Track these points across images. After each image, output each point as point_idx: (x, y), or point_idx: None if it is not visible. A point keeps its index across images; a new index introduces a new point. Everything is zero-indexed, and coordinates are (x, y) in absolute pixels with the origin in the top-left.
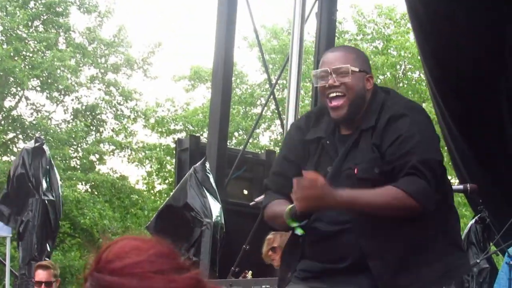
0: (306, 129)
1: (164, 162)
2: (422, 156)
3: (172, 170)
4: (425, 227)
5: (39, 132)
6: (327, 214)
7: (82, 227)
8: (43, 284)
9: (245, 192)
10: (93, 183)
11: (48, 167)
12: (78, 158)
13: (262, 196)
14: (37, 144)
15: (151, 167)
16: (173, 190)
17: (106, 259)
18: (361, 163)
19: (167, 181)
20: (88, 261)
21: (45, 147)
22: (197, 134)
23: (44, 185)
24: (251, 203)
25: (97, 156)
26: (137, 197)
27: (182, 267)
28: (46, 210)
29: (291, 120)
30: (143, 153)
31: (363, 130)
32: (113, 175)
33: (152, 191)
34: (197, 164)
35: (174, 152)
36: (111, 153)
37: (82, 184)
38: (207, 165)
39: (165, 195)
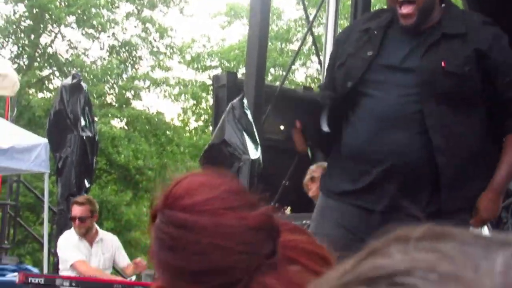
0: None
1: (200, 99)
2: None
3: (208, 107)
4: (486, 143)
5: (74, 69)
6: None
7: (118, 164)
8: (77, 219)
9: (282, 128)
10: (128, 118)
11: (86, 103)
12: (114, 94)
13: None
14: (74, 81)
15: (186, 102)
16: (214, 128)
17: (176, 195)
18: (451, 58)
19: (202, 118)
20: (156, 198)
21: (83, 83)
22: (233, 71)
23: (82, 121)
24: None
25: (132, 92)
26: (173, 133)
27: (253, 203)
28: (84, 146)
29: (328, 57)
30: (178, 89)
31: (447, 35)
32: (149, 111)
33: (187, 128)
34: (234, 101)
35: (209, 88)
36: (147, 89)
37: (117, 120)
38: (245, 101)
39: (201, 132)
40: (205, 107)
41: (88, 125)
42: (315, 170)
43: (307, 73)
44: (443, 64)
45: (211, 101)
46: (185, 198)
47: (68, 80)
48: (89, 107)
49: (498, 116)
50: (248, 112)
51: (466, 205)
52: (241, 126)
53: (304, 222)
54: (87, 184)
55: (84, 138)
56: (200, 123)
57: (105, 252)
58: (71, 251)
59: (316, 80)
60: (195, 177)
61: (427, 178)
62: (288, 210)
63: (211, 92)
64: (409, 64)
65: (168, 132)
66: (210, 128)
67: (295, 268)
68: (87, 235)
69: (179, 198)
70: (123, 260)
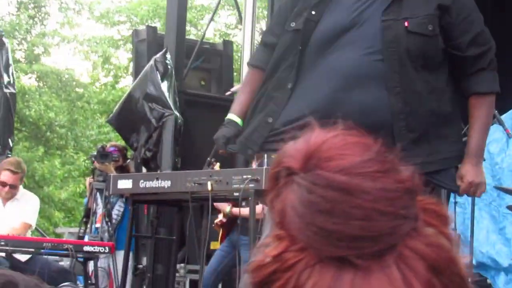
0: None
1: (109, 55)
2: (490, 44)
3: (117, 63)
4: (451, 104)
5: None
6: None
7: (28, 120)
8: (8, 186)
9: (202, 83)
10: (38, 74)
11: (8, 59)
12: (23, 50)
13: (237, 86)
14: None
15: (96, 58)
16: (133, 82)
17: (323, 156)
18: (414, 17)
19: (111, 74)
20: (285, 156)
21: (5, 39)
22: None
23: (6, 78)
24: (227, 93)
25: (42, 49)
26: (82, 90)
27: (400, 165)
28: (8, 103)
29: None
30: (88, 47)
31: None
32: (59, 67)
33: (96, 85)
34: (157, 55)
35: (118, 44)
36: (56, 46)
37: (27, 76)
38: (168, 56)
39: (110, 87)
40: (114, 63)
41: (12, 82)
42: None
43: (216, 27)
44: (406, 24)
45: (120, 57)
46: (336, 158)
47: None
48: (10, 62)
49: (460, 75)
50: (171, 67)
51: (441, 166)
52: (165, 81)
53: (245, 176)
54: (11, 143)
55: (8, 95)
56: (110, 78)
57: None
58: None
59: (225, 35)
60: (342, 136)
61: (392, 141)
62: (217, 166)
63: (121, 47)
64: (372, 22)
65: (78, 89)
66: (120, 84)
67: (430, 230)
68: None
69: (329, 159)
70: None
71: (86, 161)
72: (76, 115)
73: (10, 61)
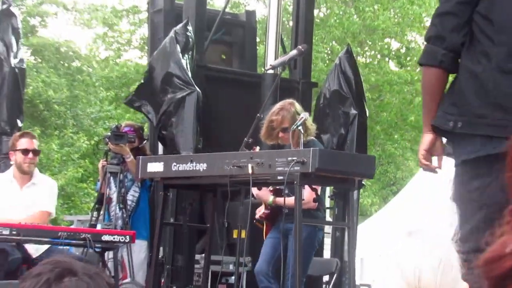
0: None
1: (111, 23)
2: None
3: (120, 34)
4: None
5: None
6: None
7: (25, 98)
8: (31, 152)
9: (223, 57)
10: (34, 47)
11: (17, 31)
12: None
13: (280, 59)
14: (4, 6)
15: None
16: (151, 56)
17: None
18: None
19: (113, 47)
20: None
21: (14, 8)
22: None
23: (14, 49)
24: (267, 68)
25: (39, 18)
26: (82, 63)
27: None
28: (16, 79)
29: None
30: (88, 14)
31: None
32: (58, 39)
33: (98, 58)
34: (178, 27)
35: (121, 14)
36: (54, 15)
37: (23, 49)
38: (190, 27)
39: (112, 62)
40: (116, 35)
41: (21, 56)
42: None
43: None
44: None
45: (122, 28)
46: None
47: None
48: (19, 35)
49: None
50: (193, 39)
51: None
52: (185, 55)
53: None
54: (19, 123)
55: (17, 70)
56: (111, 53)
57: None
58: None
59: (236, 5)
60: None
61: None
62: (257, 149)
63: (125, 18)
64: None
65: (77, 63)
66: (122, 58)
67: None
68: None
69: None
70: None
71: (87, 142)
72: (76, 90)
73: (20, 34)
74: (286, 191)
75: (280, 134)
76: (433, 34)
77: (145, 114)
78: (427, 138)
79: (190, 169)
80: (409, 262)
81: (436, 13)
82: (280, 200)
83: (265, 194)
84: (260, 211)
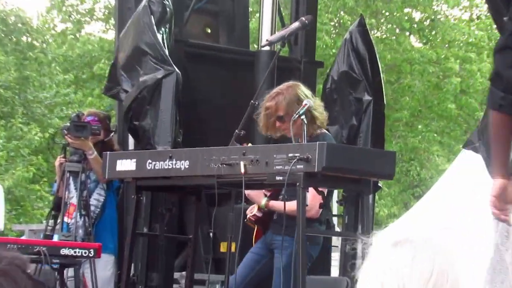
0: None
1: None
2: None
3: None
4: None
5: None
6: None
7: None
8: None
9: (208, 30)
10: None
11: None
12: None
13: (279, 33)
14: None
15: None
16: (119, 30)
17: None
18: None
19: (72, 18)
20: None
21: None
22: None
23: None
24: (262, 44)
25: None
26: (35, 36)
27: None
28: None
29: None
30: None
31: None
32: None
33: (53, 32)
34: None
35: None
36: None
37: None
38: None
39: (71, 36)
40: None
41: None
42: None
43: None
44: None
45: None
46: None
47: None
48: None
49: None
50: (170, 9)
51: None
52: (161, 28)
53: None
54: None
55: None
56: (69, 25)
57: None
58: None
59: None
60: None
61: None
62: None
63: None
64: None
65: (27, 37)
66: (83, 32)
67: None
68: None
69: None
70: None
71: (40, 135)
72: (27, 71)
73: None
74: (283, 193)
75: (277, 124)
76: (492, 73)
77: (120, 101)
78: (497, 183)
79: (169, 167)
80: (391, 277)
81: (495, 48)
82: (274, 204)
83: (258, 194)
84: (252, 211)
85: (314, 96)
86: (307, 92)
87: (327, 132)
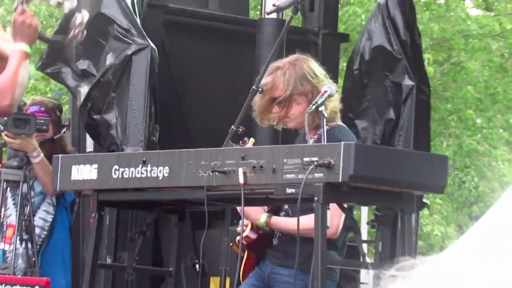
0: None
1: None
2: None
3: None
4: None
5: None
6: None
7: None
8: None
9: None
10: None
11: None
12: None
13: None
14: None
15: None
16: None
17: None
18: None
19: None
20: None
21: None
22: None
23: None
24: (269, 9)
25: None
26: None
27: None
28: None
29: None
30: None
31: None
32: None
33: None
34: None
35: None
36: None
37: None
38: None
39: None
40: None
41: None
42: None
43: None
44: None
45: None
46: None
47: None
48: None
49: None
50: None
51: None
52: None
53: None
54: None
55: None
56: None
57: None
58: None
59: None
60: None
61: None
62: (250, 142)
63: None
64: None
65: None
66: None
67: None
68: None
69: None
70: None
71: None
72: None
73: None
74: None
75: (274, 110)
76: None
77: (66, 86)
78: None
79: (142, 176)
80: None
81: None
82: (278, 222)
83: (256, 210)
84: (245, 231)
85: (327, 76)
86: (318, 70)
87: (343, 124)
